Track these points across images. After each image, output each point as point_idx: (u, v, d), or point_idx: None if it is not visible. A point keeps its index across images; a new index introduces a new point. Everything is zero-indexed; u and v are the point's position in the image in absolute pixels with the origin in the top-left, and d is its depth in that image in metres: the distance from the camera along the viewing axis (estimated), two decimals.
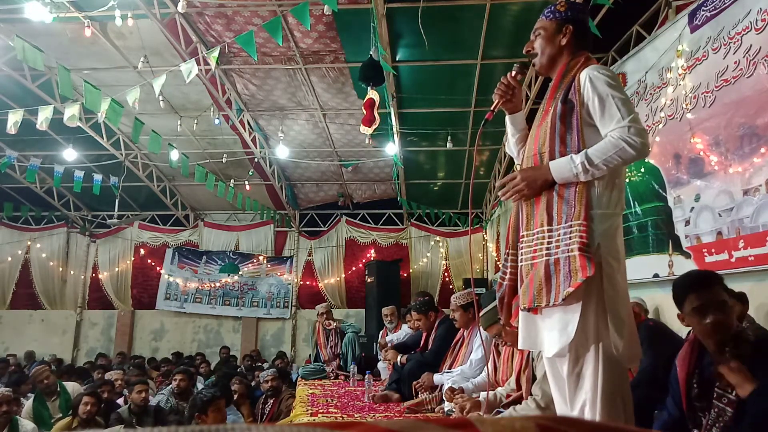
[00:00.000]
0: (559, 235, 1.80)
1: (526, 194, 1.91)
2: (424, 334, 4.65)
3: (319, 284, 11.18)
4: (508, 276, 2.00)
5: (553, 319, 1.81)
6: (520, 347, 2.12)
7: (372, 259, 10.71)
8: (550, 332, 1.82)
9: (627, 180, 5.24)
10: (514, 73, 2.14)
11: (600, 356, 1.72)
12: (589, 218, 1.76)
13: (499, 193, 1.95)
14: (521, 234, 1.96)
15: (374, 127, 5.66)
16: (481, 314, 3.15)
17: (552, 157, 1.88)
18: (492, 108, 2.17)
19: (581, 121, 1.86)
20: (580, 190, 1.80)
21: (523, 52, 2.14)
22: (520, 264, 1.95)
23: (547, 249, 1.82)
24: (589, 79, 1.86)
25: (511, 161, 8.64)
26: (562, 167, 1.83)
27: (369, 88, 5.60)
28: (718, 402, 1.93)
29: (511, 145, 2.21)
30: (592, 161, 1.76)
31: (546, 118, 1.96)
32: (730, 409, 1.89)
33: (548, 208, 1.86)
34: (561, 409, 1.89)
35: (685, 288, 2.05)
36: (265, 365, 8.56)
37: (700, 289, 2.01)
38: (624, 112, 1.78)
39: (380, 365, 5.54)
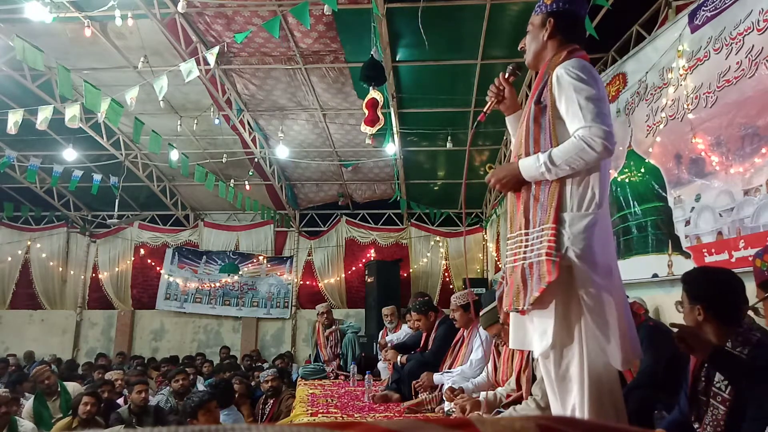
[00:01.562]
0: (533, 239, 1.82)
1: (504, 190, 1.98)
2: (424, 334, 4.65)
3: (319, 284, 11.17)
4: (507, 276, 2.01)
5: (537, 322, 1.83)
6: (510, 347, 2.13)
7: (372, 259, 10.71)
8: (534, 335, 1.85)
9: (627, 180, 5.24)
10: (507, 74, 2.13)
11: (584, 360, 1.71)
12: (559, 221, 1.76)
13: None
14: (508, 236, 1.98)
15: (378, 127, 5.65)
16: (481, 314, 3.15)
17: None
18: (485, 110, 2.17)
19: (553, 120, 1.85)
20: (552, 192, 1.80)
21: (518, 49, 2.13)
22: (504, 266, 1.96)
23: (524, 253, 1.84)
24: (557, 77, 1.84)
25: None
26: (529, 166, 1.84)
27: (371, 88, 5.60)
28: (714, 400, 1.93)
29: (514, 145, 2.22)
30: (554, 161, 1.77)
31: (523, 120, 1.98)
32: (724, 408, 1.89)
33: (525, 212, 1.88)
34: (554, 408, 1.89)
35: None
36: (265, 365, 8.56)
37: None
38: (587, 112, 1.74)
39: (380, 365, 5.54)
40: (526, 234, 1.85)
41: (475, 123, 2.15)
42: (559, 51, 1.94)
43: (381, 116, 5.64)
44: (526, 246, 1.84)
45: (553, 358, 1.80)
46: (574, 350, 1.74)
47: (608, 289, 1.74)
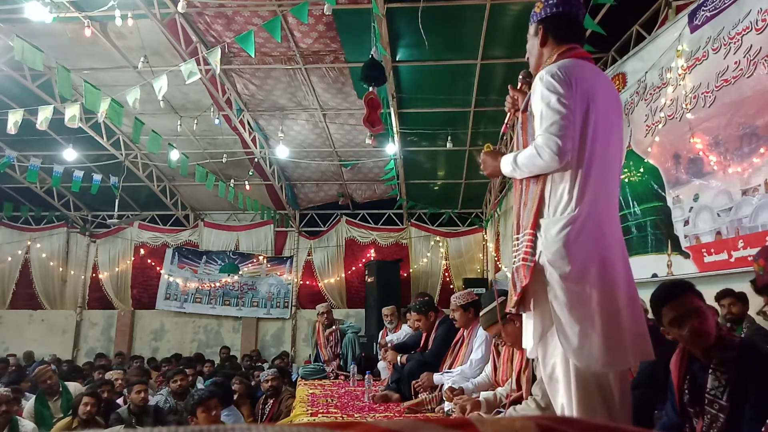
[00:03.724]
0: (519, 244, 1.90)
1: (488, 174, 2.11)
2: (424, 334, 4.65)
3: (319, 284, 11.18)
4: None
5: (526, 324, 1.91)
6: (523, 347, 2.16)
7: (372, 259, 10.71)
8: (525, 336, 1.92)
9: (626, 180, 5.24)
10: (519, 84, 2.16)
11: (570, 361, 1.73)
12: (537, 226, 1.83)
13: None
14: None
15: (378, 131, 5.66)
16: (481, 314, 3.16)
17: None
18: (506, 121, 2.23)
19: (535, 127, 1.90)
20: (534, 196, 1.85)
21: (525, 59, 2.16)
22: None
23: (515, 257, 1.92)
24: (534, 85, 1.89)
25: None
26: (506, 162, 1.94)
27: (371, 88, 5.60)
28: (710, 408, 1.93)
29: None
30: (516, 163, 1.87)
31: (516, 128, 2.06)
32: (723, 415, 1.89)
33: (517, 216, 1.95)
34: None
35: (658, 303, 2.04)
36: (265, 365, 8.56)
37: (671, 301, 2.00)
38: (544, 121, 1.78)
39: (380, 365, 5.54)
40: (517, 239, 1.92)
41: (501, 136, 2.24)
42: (551, 55, 1.97)
43: (381, 120, 5.64)
44: (516, 250, 1.91)
45: (539, 359, 1.85)
46: (557, 351, 1.76)
47: (581, 292, 1.73)
